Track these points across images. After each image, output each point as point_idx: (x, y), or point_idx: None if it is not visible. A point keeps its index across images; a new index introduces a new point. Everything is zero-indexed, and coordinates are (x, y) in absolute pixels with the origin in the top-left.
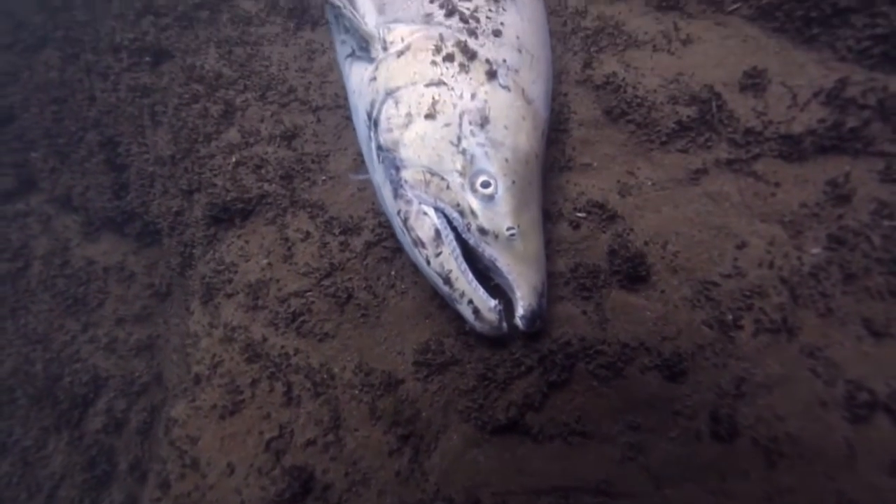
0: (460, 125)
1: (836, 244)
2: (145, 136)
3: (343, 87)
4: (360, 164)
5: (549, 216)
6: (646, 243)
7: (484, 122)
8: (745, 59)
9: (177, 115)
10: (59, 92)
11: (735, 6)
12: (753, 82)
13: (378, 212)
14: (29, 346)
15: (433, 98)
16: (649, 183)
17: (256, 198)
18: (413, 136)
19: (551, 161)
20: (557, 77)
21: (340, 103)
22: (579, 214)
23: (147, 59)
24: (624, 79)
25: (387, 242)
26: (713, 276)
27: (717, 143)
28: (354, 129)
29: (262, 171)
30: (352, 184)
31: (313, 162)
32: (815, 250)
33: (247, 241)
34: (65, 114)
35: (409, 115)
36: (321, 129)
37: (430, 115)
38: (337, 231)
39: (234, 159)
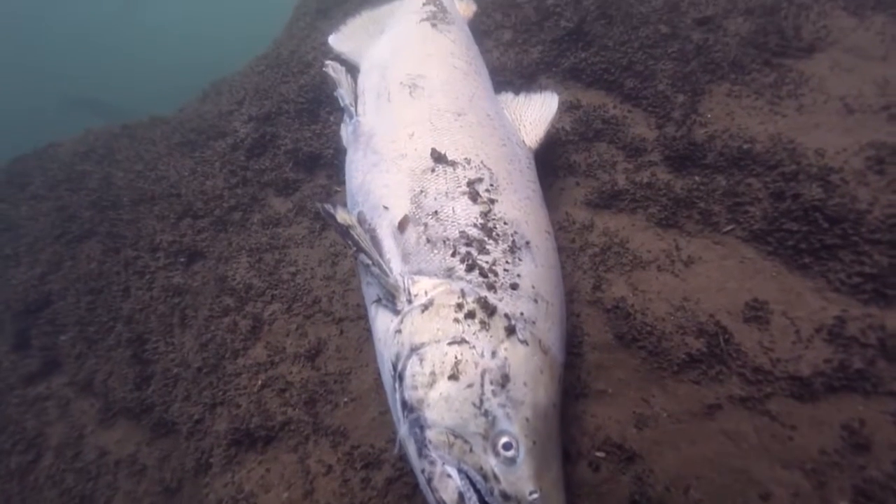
0: (482, 385)
1: (864, 498)
2: (173, 335)
3: (363, 299)
4: (380, 384)
5: (567, 456)
6: (667, 489)
7: (504, 381)
8: (745, 283)
9: (206, 326)
10: (97, 283)
11: (729, 227)
12: (756, 315)
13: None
14: None
15: (456, 357)
16: (665, 414)
17: (280, 424)
18: (437, 396)
19: (566, 388)
20: (569, 296)
21: (361, 314)
22: (598, 454)
23: (182, 259)
24: (633, 304)
25: (407, 478)
26: None
27: (728, 377)
28: (378, 362)
29: (287, 394)
30: (373, 405)
31: (336, 382)
32: None
33: (268, 470)
34: (98, 304)
35: (433, 374)
36: (344, 343)
37: (453, 376)
38: (358, 465)
39: (259, 381)
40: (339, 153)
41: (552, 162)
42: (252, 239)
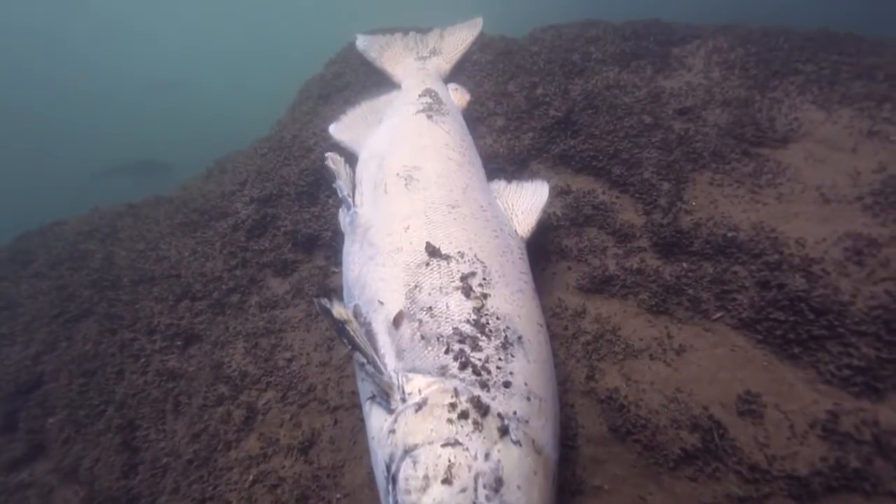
0: (475, 490)
1: None
2: (165, 422)
3: (358, 388)
4: (373, 478)
5: None
6: None
7: (498, 485)
8: (737, 373)
9: (200, 416)
10: (91, 365)
11: (719, 315)
12: (750, 408)
13: None
14: None
15: (449, 460)
16: None
17: None
18: (431, 502)
19: (562, 483)
20: (563, 385)
21: (356, 402)
22: None
23: (178, 342)
24: (626, 396)
25: None
26: None
27: (725, 474)
28: (371, 460)
29: (279, 490)
30: (366, 501)
31: (329, 477)
32: None
33: None
34: (91, 386)
35: (426, 477)
36: (338, 434)
37: (446, 480)
38: None
39: (251, 476)
40: (337, 234)
41: (545, 246)
42: (249, 323)
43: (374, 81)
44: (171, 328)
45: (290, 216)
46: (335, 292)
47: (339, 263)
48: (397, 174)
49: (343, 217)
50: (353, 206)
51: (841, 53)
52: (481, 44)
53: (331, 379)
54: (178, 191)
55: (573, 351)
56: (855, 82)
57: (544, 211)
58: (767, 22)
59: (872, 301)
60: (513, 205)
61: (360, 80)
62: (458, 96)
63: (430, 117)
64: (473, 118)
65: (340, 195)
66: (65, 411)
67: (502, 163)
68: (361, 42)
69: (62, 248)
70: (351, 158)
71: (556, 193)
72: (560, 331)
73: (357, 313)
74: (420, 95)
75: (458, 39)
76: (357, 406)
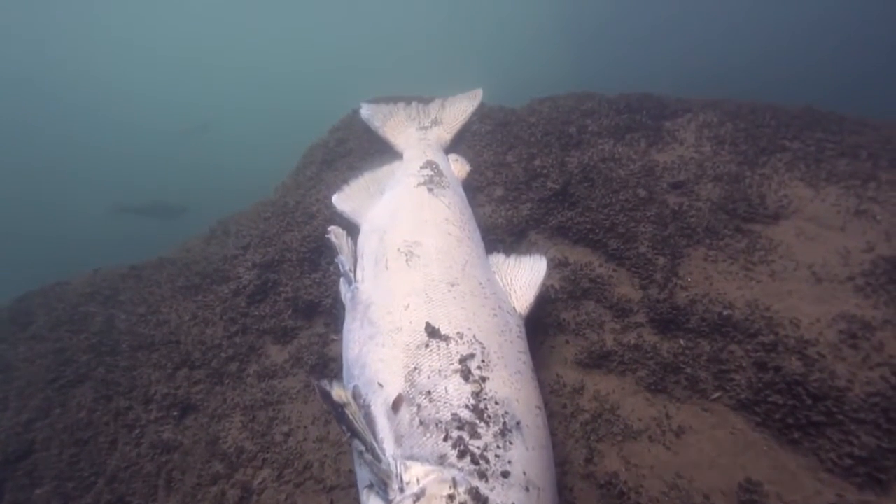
0: None
1: None
2: (157, 499)
3: (355, 471)
4: None
5: None
6: None
7: None
8: (738, 458)
9: (193, 495)
10: (83, 433)
11: (717, 395)
12: (752, 498)
13: None
14: None
15: None
16: None
17: None
18: None
19: None
20: (561, 467)
21: (353, 482)
22: None
23: (175, 413)
24: (626, 481)
25: None
26: None
27: None
28: None
29: None
30: None
31: None
32: None
33: None
34: (82, 457)
35: None
36: None
37: None
38: None
39: None
40: (337, 302)
41: (542, 319)
42: (247, 394)
43: (377, 149)
44: (168, 398)
45: (292, 282)
46: (334, 361)
47: (338, 331)
48: (398, 249)
49: (344, 291)
50: (355, 281)
51: (825, 131)
52: (481, 114)
53: (328, 456)
54: (181, 252)
55: (572, 430)
56: (840, 160)
57: (542, 286)
58: (750, 97)
59: (869, 387)
60: (511, 280)
61: (363, 147)
62: (458, 167)
63: (430, 190)
64: (473, 187)
65: (342, 270)
66: (53, 482)
67: (501, 234)
68: (366, 111)
69: (63, 310)
70: (353, 229)
71: (554, 265)
72: (559, 409)
73: (356, 395)
74: (421, 167)
75: (458, 110)
76: (353, 486)
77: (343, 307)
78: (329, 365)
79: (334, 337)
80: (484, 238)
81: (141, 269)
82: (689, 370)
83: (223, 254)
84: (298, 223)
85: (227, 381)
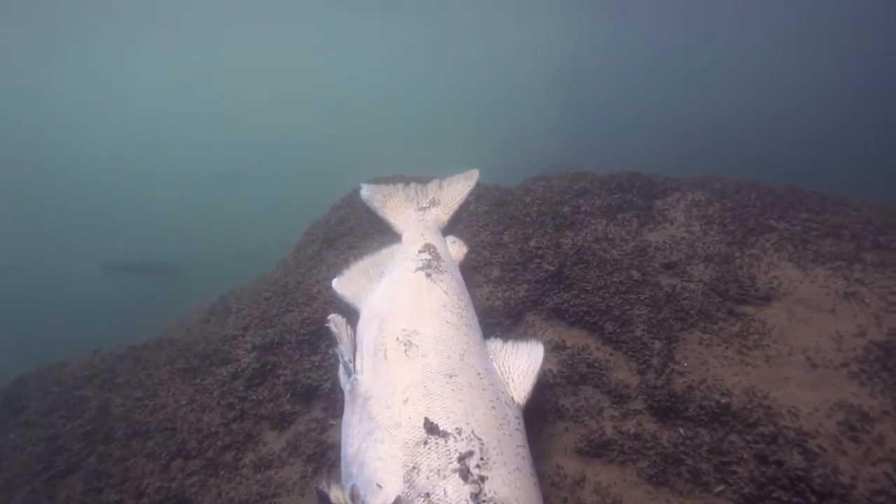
0: None
1: None
2: None
3: None
4: None
5: None
6: None
7: None
8: None
9: None
10: None
11: (720, 489)
12: None
13: None
14: None
15: None
16: None
17: None
18: None
19: None
20: None
21: None
22: None
23: None
24: None
25: None
26: None
27: None
28: None
29: None
30: None
31: None
32: None
33: None
34: None
35: None
36: None
37: None
38: None
39: None
40: (336, 386)
41: (541, 406)
42: (242, 487)
43: (377, 228)
44: (161, 491)
45: (291, 365)
46: (332, 449)
47: (336, 416)
48: (397, 339)
49: (343, 381)
50: (354, 372)
51: (808, 211)
52: (477, 194)
53: None
54: (181, 332)
55: None
56: (825, 240)
57: (540, 374)
58: (733, 175)
59: (873, 484)
60: (509, 367)
61: (363, 227)
62: (455, 249)
63: (428, 276)
64: (470, 267)
65: (341, 360)
66: None
67: (499, 317)
68: (365, 191)
69: (57, 395)
70: (353, 313)
71: (552, 348)
72: (560, 503)
73: (354, 495)
74: (419, 251)
75: (455, 191)
76: None
77: (342, 391)
78: (327, 453)
79: (332, 422)
80: (481, 321)
81: (139, 349)
82: (690, 461)
83: (223, 334)
84: (299, 304)
85: (222, 473)
